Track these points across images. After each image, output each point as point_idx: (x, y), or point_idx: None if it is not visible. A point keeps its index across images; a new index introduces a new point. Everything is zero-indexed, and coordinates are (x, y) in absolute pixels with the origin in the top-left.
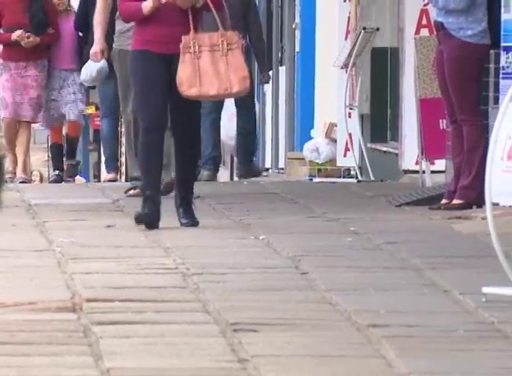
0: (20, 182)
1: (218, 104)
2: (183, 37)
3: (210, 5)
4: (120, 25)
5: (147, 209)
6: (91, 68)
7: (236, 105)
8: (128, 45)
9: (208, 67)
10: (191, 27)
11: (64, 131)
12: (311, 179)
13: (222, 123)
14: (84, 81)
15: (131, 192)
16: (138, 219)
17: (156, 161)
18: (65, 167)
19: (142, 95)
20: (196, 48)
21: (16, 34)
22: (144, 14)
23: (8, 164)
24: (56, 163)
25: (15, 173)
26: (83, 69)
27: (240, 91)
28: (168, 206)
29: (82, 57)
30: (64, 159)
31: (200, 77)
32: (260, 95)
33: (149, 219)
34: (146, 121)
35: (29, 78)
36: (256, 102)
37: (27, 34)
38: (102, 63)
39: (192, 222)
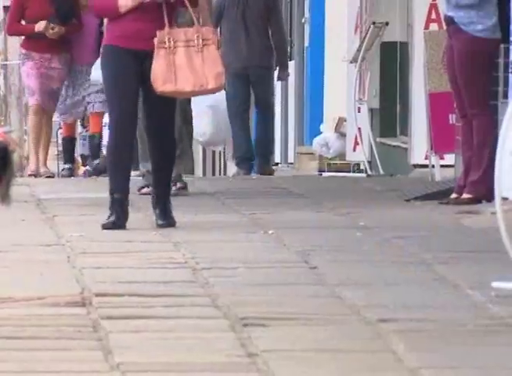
0: (47, 177)
1: (245, 104)
2: (158, 33)
3: (186, 1)
4: None
5: (115, 213)
6: None
7: (257, 105)
8: None
9: (183, 63)
10: (166, 22)
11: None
12: (321, 174)
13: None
14: (96, 82)
15: (144, 190)
16: (106, 226)
17: (125, 162)
18: (87, 166)
19: (110, 94)
20: (172, 43)
21: (40, 25)
22: (121, 12)
23: (18, 159)
24: (68, 156)
25: (37, 167)
26: (93, 69)
27: (216, 87)
28: (175, 201)
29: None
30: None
31: (175, 72)
32: None
33: (116, 225)
34: (114, 121)
35: (52, 71)
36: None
37: (52, 25)
38: None
39: (169, 223)
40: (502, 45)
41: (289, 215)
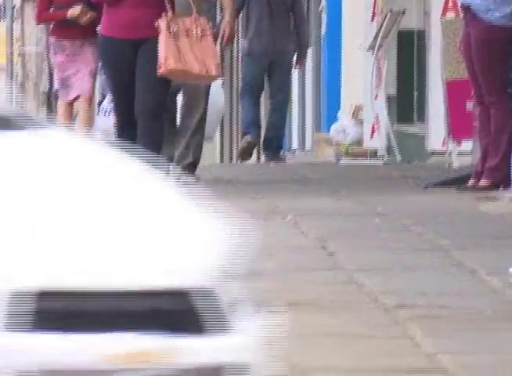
0: None
1: (261, 86)
2: (160, 20)
3: None
4: None
5: None
6: None
7: (273, 90)
8: None
9: (187, 49)
10: (168, 9)
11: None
12: (338, 161)
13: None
14: None
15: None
16: None
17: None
18: None
19: (113, 90)
20: (174, 29)
21: (75, 10)
22: None
23: None
24: None
25: None
26: None
27: (217, 75)
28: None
29: None
30: None
31: (182, 54)
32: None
33: None
34: (119, 120)
35: (87, 53)
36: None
37: (83, 10)
38: None
39: None
40: None
41: (306, 202)
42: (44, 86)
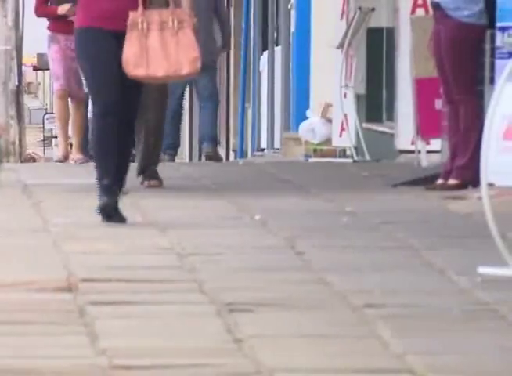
0: (80, 164)
1: (182, 98)
2: (131, 14)
3: None
4: None
5: (106, 200)
6: None
7: (200, 94)
8: None
9: (157, 47)
10: (139, 2)
11: None
12: (307, 159)
13: None
14: None
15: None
16: (101, 211)
17: (113, 148)
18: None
19: (93, 78)
20: (145, 25)
21: (63, 8)
22: None
23: (4, 145)
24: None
25: (68, 154)
26: None
27: (191, 72)
28: (159, 188)
29: None
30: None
31: (147, 56)
32: (255, 75)
33: (108, 211)
34: (100, 105)
35: None
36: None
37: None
38: None
39: (119, 219)
40: (488, 31)
41: (275, 201)
42: (13, 84)
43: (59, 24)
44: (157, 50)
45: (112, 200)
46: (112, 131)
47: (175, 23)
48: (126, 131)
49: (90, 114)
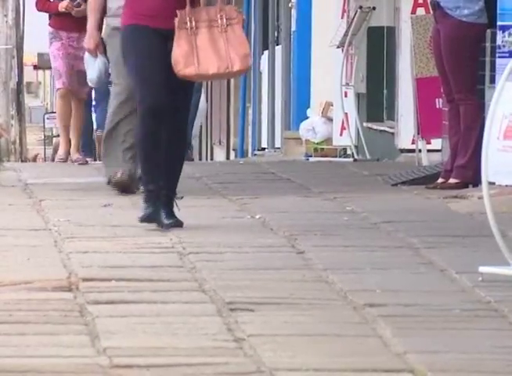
0: (79, 164)
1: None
2: (178, 12)
3: None
4: (117, 0)
5: (151, 206)
6: (98, 66)
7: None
8: None
9: (206, 45)
10: (187, 1)
11: None
12: (308, 159)
13: None
14: (93, 82)
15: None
16: (145, 219)
17: (158, 151)
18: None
19: (139, 77)
20: (193, 23)
21: (63, 5)
22: None
23: (5, 144)
24: None
25: (69, 153)
26: (86, 65)
27: (242, 69)
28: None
29: None
30: None
31: (197, 55)
32: (256, 74)
33: (152, 218)
34: (145, 106)
35: (80, 50)
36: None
37: (76, 3)
38: (101, 58)
39: (176, 224)
40: (488, 30)
41: (276, 200)
42: (13, 83)
43: (61, 21)
44: (207, 48)
45: (155, 209)
46: (157, 134)
47: (224, 20)
48: (177, 134)
49: (94, 114)
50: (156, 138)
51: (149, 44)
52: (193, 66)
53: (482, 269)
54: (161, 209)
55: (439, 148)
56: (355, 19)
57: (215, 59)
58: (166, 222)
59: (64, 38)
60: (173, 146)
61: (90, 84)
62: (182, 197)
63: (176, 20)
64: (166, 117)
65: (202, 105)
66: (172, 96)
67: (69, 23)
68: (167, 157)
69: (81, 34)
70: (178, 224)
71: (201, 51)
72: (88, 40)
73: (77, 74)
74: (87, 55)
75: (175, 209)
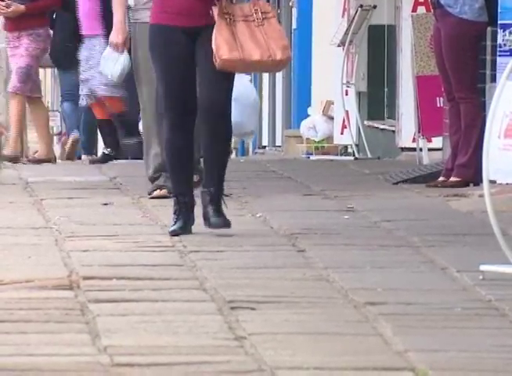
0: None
1: None
2: (213, 9)
3: None
4: None
5: (182, 217)
6: (123, 62)
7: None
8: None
9: (246, 35)
10: None
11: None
12: (309, 157)
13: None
14: (116, 77)
15: (155, 193)
16: (175, 233)
17: (186, 164)
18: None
19: (165, 84)
20: (231, 17)
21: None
22: None
23: (4, 142)
24: (106, 140)
25: (22, 153)
26: (104, 62)
27: (284, 59)
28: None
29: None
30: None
31: (239, 41)
32: (257, 73)
33: (184, 230)
34: (172, 121)
35: (21, 47)
36: None
37: (6, 3)
38: (127, 54)
39: (224, 223)
40: (489, 28)
41: (277, 198)
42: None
43: (6, 22)
44: (247, 38)
45: (188, 217)
46: (182, 148)
47: (259, 14)
48: (216, 129)
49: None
50: (182, 152)
51: (178, 49)
52: (237, 51)
53: (483, 267)
54: (206, 209)
55: (440, 146)
56: (356, 17)
57: (257, 47)
58: (213, 221)
59: (10, 39)
60: (213, 142)
61: (111, 78)
62: (230, 195)
63: (215, 12)
64: (191, 127)
65: (250, 94)
66: (204, 93)
67: (10, 23)
68: (209, 155)
69: (21, 32)
70: (226, 224)
71: (242, 39)
72: (116, 34)
73: (16, 71)
74: (108, 50)
75: (223, 207)
